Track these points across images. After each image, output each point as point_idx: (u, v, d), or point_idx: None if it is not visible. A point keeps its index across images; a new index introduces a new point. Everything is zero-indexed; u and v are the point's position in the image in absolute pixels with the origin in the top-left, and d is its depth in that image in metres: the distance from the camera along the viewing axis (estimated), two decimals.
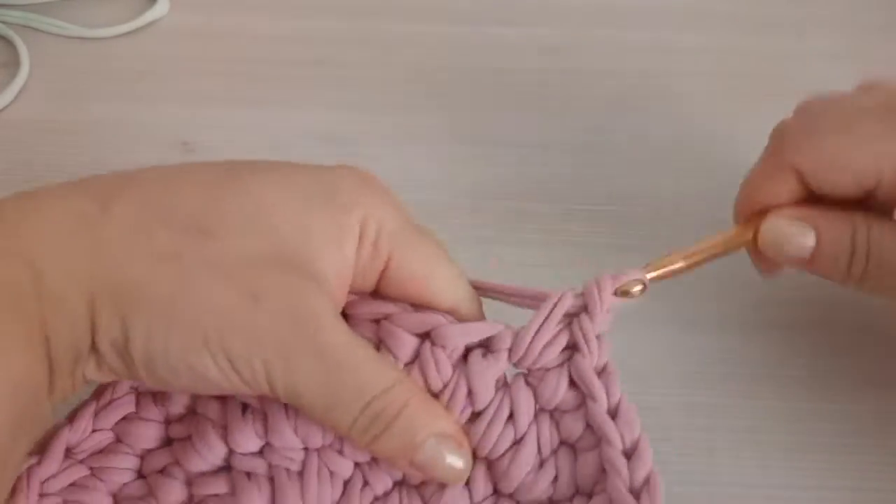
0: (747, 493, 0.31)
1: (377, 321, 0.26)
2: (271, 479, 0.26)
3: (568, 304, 0.26)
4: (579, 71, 0.48)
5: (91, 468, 0.27)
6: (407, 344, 0.26)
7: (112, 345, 0.24)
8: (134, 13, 0.50)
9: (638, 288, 0.26)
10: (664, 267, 0.28)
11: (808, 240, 0.28)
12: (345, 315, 0.26)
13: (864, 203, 0.29)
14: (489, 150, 0.42)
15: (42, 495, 0.25)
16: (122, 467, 0.27)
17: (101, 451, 0.27)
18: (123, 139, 0.43)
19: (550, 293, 0.26)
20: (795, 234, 0.28)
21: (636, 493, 0.24)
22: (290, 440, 0.26)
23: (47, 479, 0.26)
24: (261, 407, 0.26)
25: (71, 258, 0.23)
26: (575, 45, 0.49)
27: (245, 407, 0.27)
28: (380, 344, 0.26)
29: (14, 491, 0.25)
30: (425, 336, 0.26)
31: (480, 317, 0.28)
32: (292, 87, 0.46)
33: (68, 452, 0.26)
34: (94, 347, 0.24)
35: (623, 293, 0.26)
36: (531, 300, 0.27)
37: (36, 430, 0.24)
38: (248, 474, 0.26)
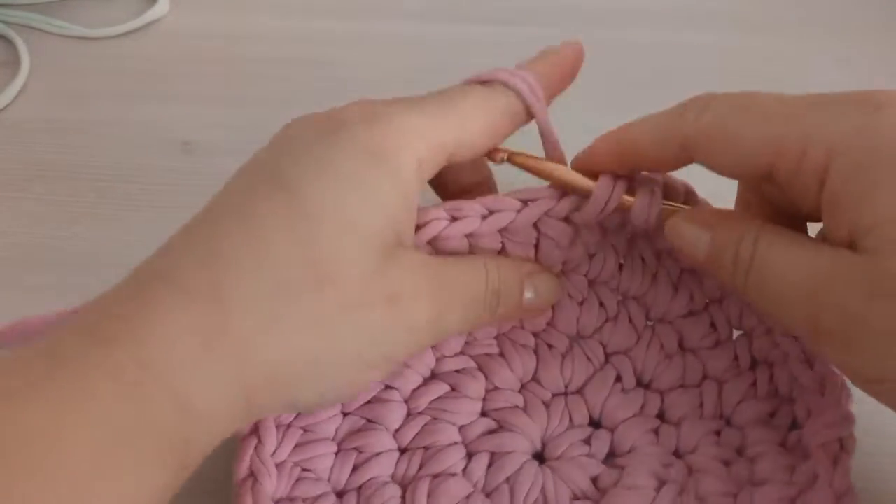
0: None
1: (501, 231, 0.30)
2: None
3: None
4: (579, 71, 0.48)
5: None
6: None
7: (277, 416, 0.28)
8: (134, 13, 0.50)
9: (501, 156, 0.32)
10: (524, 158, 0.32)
11: (702, 243, 0.27)
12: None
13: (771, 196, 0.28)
14: None
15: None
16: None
17: None
18: (123, 139, 0.43)
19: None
20: (692, 236, 0.27)
21: None
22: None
23: None
24: None
25: (210, 372, 0.23)
26: None
27: None
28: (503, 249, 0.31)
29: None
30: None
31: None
32: (292, 87, 0.46)
33: None
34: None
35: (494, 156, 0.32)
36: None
37: None
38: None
